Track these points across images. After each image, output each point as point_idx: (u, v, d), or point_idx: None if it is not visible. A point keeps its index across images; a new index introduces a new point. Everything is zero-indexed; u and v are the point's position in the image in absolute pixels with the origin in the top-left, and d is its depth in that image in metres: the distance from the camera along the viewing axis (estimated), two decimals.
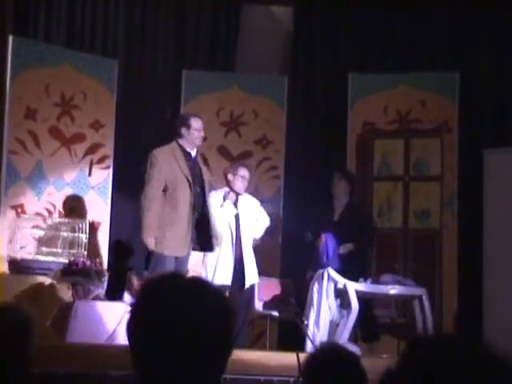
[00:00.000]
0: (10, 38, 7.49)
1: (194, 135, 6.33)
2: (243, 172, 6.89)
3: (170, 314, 1.49)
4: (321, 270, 6.67)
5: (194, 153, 6.40)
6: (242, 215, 6.82)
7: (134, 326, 1.53)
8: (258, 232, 7.02)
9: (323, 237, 6.89)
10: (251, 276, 6.75)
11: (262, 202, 7.16)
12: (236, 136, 8.30)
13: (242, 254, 6.71)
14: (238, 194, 6.85)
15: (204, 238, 6.34)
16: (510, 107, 8.20)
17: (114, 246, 7.77)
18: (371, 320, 7.08)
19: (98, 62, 7.98)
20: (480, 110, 8.28)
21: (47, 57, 7.70)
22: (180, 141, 6.35)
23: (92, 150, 7.80)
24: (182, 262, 6.19)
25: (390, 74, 8.29)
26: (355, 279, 6.61)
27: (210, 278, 6.46)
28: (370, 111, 8.24)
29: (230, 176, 6.88)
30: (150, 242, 6.05)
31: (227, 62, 8.65)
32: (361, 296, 6.59)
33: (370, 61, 8.55)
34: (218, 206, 6.72)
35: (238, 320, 6.53)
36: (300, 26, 8.78)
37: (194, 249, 6.34)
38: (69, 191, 7.65)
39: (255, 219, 6.98)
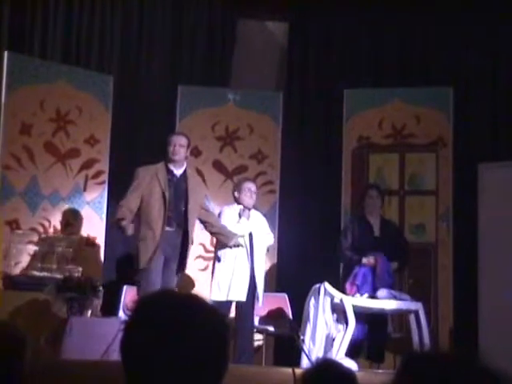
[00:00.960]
0: (6, 54, 7.49)
1: (170, 151, 6.40)
2: (248, 186, 6.90)
3: (164, 332, 1.48)
4: (317, 285, 6.66)
5: (180, 171, 6.45)
6: (255, 231, 6.81)
7: (128, 343, 1.52)
8: (264, 250, 6.99)
9: (377, 257, 6.82)
10: (262, 293, 6.71)
11: None
12: (231, 151, 8.31)
13: (254, 269, 6.68)
14: (248, 209, 6.86)
15: (181, 257, 6.35)
16: (504, 121, 8.23)
17: (109, 261, 7.76)
18: (383, 340, 7.01)
19: (93, 78, 7.98)
20: (474, 125, 8.30)
21: (43, 73, 7.70)
22: (166, 161, 6.45)
23: (87, 165, 7.80)
24: (168, 267, 6.22)
25: (384, 88, 8.31)
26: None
27: (224, 293, 6.49)
28: (364, 126, 8.25)
29: (236, 193, 6.89)
30: (121, 222, 6.13)
31: (223, 78, 8.67)
32: (377, 311, 6.60)
33: (365, 76, 8.57)
34: (235, 223, 6.73)
35: (244, 335, 6.56)
36: (295, 42, 8.81)
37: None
38: (64, 206, 7.63)
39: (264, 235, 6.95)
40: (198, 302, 1.59)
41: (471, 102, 8.33)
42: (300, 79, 8.75)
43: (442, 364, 1.23)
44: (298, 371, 4.11)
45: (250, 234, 6.77)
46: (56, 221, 7.60)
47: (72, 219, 7.63)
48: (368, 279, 6.76)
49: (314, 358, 6.04)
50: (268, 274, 7.95)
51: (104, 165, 7.88)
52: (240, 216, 6.76)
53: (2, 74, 7.41)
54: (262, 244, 6.89)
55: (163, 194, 6.27)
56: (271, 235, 7.09)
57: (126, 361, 1.51)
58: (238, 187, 6.95)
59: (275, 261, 8.04)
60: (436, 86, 8.16)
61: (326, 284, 6.63)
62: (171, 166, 6.42)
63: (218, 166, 8.23)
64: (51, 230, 7.55)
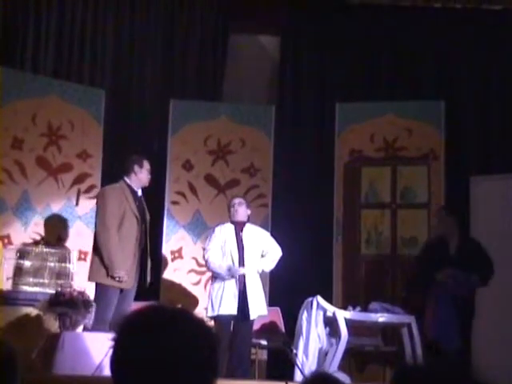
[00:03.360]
0: None
1: (144, 175, 6.58)
2: (236, 201, 6.88)
3: (151, 348, 1.48)
4: (309, 299, 6.66)
5: (139, 192, 6.61)
6: (247, 248, 6.72)
7: (116, 359, 1.52)
8: (269, 265, 6.87)
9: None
10: (256, 308, 6.61)
11: None
12: (223, 164, 8.31)
13: (245, 286, 6.60)
14: (242, 224, 6.81)
15: (143, 273, 6.49)
16: (495, 134, 8.26)
17: None
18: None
19: (85, 92, 7.98)
20: (466, 138, 8.33)
21: (34, 87, 7.70)
22: (128, 180, 6.58)
23: (79, 179, 7.78)
24: (126, 295, 6.35)
25: (376, 102, 8.33)
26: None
27: (215, 309, 6.47)
28: (356, 139, 8.27)
29: (228, 211, 6.86)
30: (121, 275, 6.24)
31: (215, 92, 8.68)
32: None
33: (357, 89, 8.60)
34: (222, 241, 6.70)
35: (240, 349, 6.51)
36: (287, 56, 8.84)
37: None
38: (56, 221, 7.62)
39: (263, 252, 6.83)
40: (186, 315, 1.59)
41: (462, 116, 8.36)
42: (292, 93, 8.77)
43: (435, 377, 1.23)
44: None
45: (241, 251, 6.68)
46: (48, 235, 7.58)
47: (64, 234, 7.61)
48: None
49: (307, 371, 6.02)
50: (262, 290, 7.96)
51: (96, 179, 7.87)
52: (230, 271, 6.61)
53: None
54: (260, 262, 6.79)
55: (135, 214, 6.46)
56: (278, 249, 6.89)
57: (115, 377, 1.52)
58: (228, 205, 6.93)
59: (268, 275, 8.03)
60: (427, 100, 8.18)
61: (319, 297, 6.63)
62: (134, 187, 6.57)
63: (210, 179, 8.23)
64: (43, 245, 7.52)
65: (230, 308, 6.51)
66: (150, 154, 8.05)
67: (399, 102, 8.25)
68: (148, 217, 6.65)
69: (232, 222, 6.79)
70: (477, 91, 8.39)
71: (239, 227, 6.78)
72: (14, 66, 7.81)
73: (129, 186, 6.55)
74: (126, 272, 6.27)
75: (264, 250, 6.84)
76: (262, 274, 7.95)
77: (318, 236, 8.18)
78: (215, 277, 6.71)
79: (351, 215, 8.12)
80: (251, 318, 6.57)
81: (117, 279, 6.24)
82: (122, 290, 6.32)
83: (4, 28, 7.98)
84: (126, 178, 6.60)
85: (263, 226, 8.08)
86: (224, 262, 6.64)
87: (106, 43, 8.41)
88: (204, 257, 6.81)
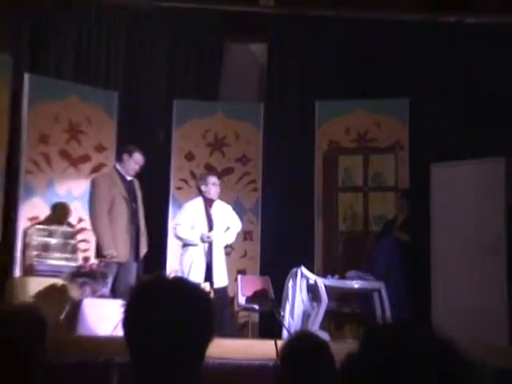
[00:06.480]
0: (26, 76, 7.50)
1: (131, 165, 6.51)
2: (213, 180, 6.81)
3: (157, 311, 1.50)
4: (295, 269, 6.68)
5: (129, 177, 6.55)
6: (216, 221, 6.62)
7: (128, 322, 1.55)
8: (231, 238, 6.82)
9: None
10: (220, 279, 6.56)
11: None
12: (220, 155, 8.31)
13: (211, 258, 6.52)
14: (212, 201, 6.74)
15: (136, 248, 6.45)
16: (452, 127, 8.28)
17: None
18: None
19: (100, 94, 7.97)
20: (427, 130, 8.33)
21: (57, 90, 7.69)
22: (118, 166, 6.56)
23: (96, 169, 7.78)
24: (126, 267, 6.34)
25: (350, 100, 8.33)
26: None
27: (185, 275, 6.37)
28: (334, 132, 8.27)
29: (203, 187, 6.73)
30: (111, 253, 6.25)
31: (212, 92, 8.66)
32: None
33: (333, 89, 8.59)
34: (196, 217, 6.59)
35: (219, 314, 6.50)
36: (273, 60, 8.81)
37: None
38: (77, 205, 7.62)
39: (227, 226, 6.75)
40: (185, 283, 1.61)
41: (424, 111, 8.36)
42: (278, 92, 8.75)
43: (400, 333, 1.25)
44: (279, 342, 4.13)
45: (210, 227, 6.58)
46: (70, 217, 7.58)
47: (84, 215, 7.61)
48: None
49: (292, 330, 6.05)
50: (253, 260, 7.99)
51: (110, 168, 7.84)
52: (202, 241, 6.53)
53: (23, 92, 7.41)
54: (224, 236, 6.69)
55: (124, 197, 6.42)
56: (238, 223, 6.83)
57: (127, 335, 1.54)
58: (203, 180, 6.79)
59: (259, 248, 8.06)
60: (394, 98, 8.19)
61: (303, 268, 6.65)
62: (123, 172, 6.51)
63: (209, 168, 8.23)
64: (66, 225, 7.53)
65: (197, 277, 6.39)
66: (156, 146, 8.09)
67: (369, 99, 8.25)
68: (140, 199, 6.57)
69: (203, 198, 6.69)
70: (435, 90, 8.39)
71: (209, 203, 6.70)
72: (39, 73, 7.78)
73: (118, 172, 6.50)
74: (115, 250, 6.23)
75: (228, 224, 6.76)
76: (255, 249, 8.00)
77: (301, 215, 8.19)
78: (185, 248, 6.61)
79: (330, 197, 8.14)
80: (215, 286, 6.48)
81: (108, 257, 6.23)
82: (120, 264, 6.30)
83: (31, 40, 7.96)
84: (116, 165, 6.59)
85: (254, 207, 8.12)
86: (194, 232, 6.54)
87: (118, 52, 8.38)
88: (175, 230, 6.70)
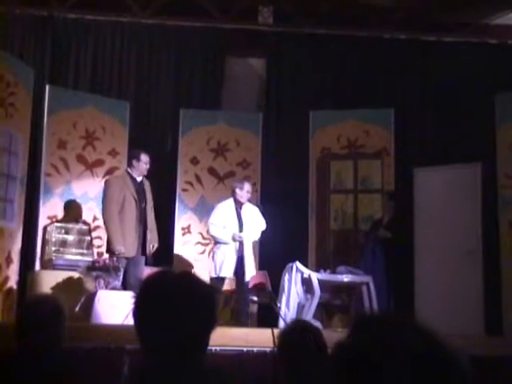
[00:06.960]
0: (47, 87, 7.51)
1: (142, 167, 6.51)
2: (248, 187, 6.78)
3: (164, 302, 1.51)
4: (290, 264, 6.67)
5: (139, 179, 6.54)
6: (246, 222, 6.64)
7: (137, 312, 1.55)
8: (258, 235, 6.83)
9: None
10: (250, 272, 6.61)
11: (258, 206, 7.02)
12: (222, 160, 8.31)
13: (243, 254, 6.54)
14: (242, 204, 6.74)
15: (143, 244, 6.45)
16: (433, 135, 8.30)
17: None
18: None
19: (114, 104, 7.98)
20: (410, 138, 8.35)
21: (75, 100, 7.70)
22: (129, 169, 6.55)
23: (110, 172, 7.78)
24: (134, 262, 6.32)
25: (341, 110, 8.34)
26: None
27: (217, 272, 6.43)
28: (326, 139, 8.28)
29: (238, 190, 6.68)
30: (119, 249, 6.24)
31: (215, 102, 8.67)
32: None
33: (326, 100, 8.60)
34: (229, 216, 6.59)
35: (240, 302, 6.56)
36: (271, 74, 8.82)
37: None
38: (92, 204, 7.62)
39: (255, 225, 6.78)
40: (192, 277, 1.62)
41: (408, 120, 8.39)
42: (276, 103, 8.76)
43: (385, 323, 1.25)
44: (276, 331, 4.13)
45: (241, 226, 6.61)
46: (85, 216, 7.59)
47: (98, 214, 7.61)
48: None
49: (288, 320, 6.05)
50: (253, 256, 7.97)
51: (123, 172, 7.84)
52: (234, 240, 6.55)
53: (44, 102, 7.43)
54: (252, 235, 6.72)
55: (134, 197, 6.40)
56: (263, 222, 6.81)
57: (137, 324, 1.55)
58: (240, 186, 6.75)
59: (258, 245, 8.05)
60: (381, 108, 8.20)
61: (298, 263, 6.65)
62: (134, 175, 6.51)
63: (212, 171, 8.24)
64: (82, 223, 7.53)
65: (228, 271, 6.51)
66: (164, 151, 8.09)
67: (359, 110, 8.26)
68: (149, 199, 6.57)
69: (234, 199, 6.70)
70: (418, 101, 8.41)
71: (239, 205, 6.73)
72: (59, 85, 7.80)
73: (129, 175, 6.50)
74: (123, 246, 6.22)
75: (255, 224, 6.81)
76: (253, 244, 7.98)
77: (296, 215, 8.19)
78: (218, 246, 6.67)
79: (322, 198, 8.15)
80: (246, 279, 6.58)
81: (116, 253, 6.23)
82: (128, 259, 6.30)
83: (52, 56, 7.99)
84: (127, 168, 6.59)
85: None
86: (226, 232, 6.58)
87: (130, 66, 8.39)
88: (209, 229, 6.75)
